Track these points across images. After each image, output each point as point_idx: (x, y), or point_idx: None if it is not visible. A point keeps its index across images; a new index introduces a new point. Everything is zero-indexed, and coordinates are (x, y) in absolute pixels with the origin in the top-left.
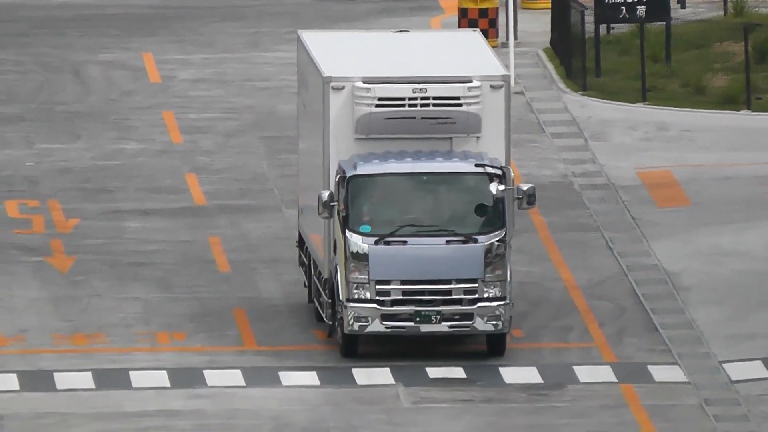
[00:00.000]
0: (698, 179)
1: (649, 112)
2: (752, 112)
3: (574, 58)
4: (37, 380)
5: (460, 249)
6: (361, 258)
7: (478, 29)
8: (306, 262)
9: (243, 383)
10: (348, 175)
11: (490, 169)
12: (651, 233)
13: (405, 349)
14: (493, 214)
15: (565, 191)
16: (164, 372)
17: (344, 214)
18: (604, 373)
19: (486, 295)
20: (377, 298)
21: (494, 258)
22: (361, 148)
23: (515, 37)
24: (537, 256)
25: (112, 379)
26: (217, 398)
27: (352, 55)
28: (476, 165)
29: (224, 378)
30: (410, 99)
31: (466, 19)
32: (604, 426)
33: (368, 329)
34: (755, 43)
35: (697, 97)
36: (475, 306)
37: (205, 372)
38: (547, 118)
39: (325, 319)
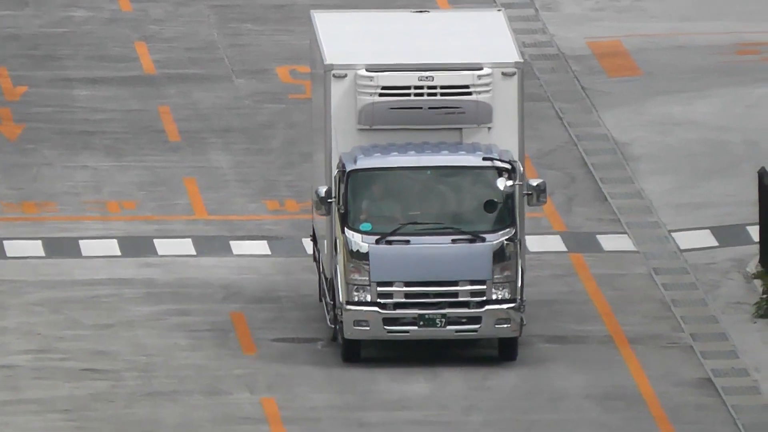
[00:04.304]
0: (649, 49)
1: None
2: None
3: None
4: None
5: (466, 248)
6: (362, 258)
7: (503, 9)
8: (318, 257)
9: (194, 252)
10: (347, 169)
11: (498, 163)
12: (601, 103)
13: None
14: (502, 211)
15: None
16: (114, 241)
17: (343, 211)
18: (553, 243)
19: (495, 297)
20: (378, 300)
21: (503, 258)
22: (364, 139)
23: None
24: None
25: (62, 247)
26: (168, 267)
27: (359, 39)
28: (484, 158)
29: (175, 247)
30: (416, 88)
31: None
32: (554, 295)
33: (369, 334)
34: None
35: None
36: (483, 309)
37: (156, 241)
38: None
39: (327, 322)
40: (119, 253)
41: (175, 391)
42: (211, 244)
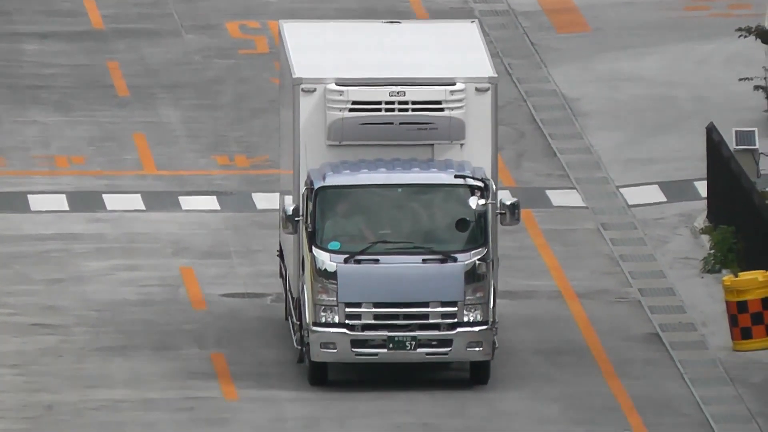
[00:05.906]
0: (597, 4)
1: None
2: None
3: None
4: None
5: (437, 268)
6: (329, 277)
7: (477, 20)
8: (285, 274)
9: (143, 207)
10: (316, 186)
11: (470, 181)
12: (550, 59)
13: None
14: (474, 230)
15: (466, 18)
16: (63, 196)
17: (311, 230)
18: (502, 198)
19: (466, 319)
20: (346, 322)
21: (475, 278)
22: (334, 155)
23: None
24: None
25: (10, 202)
26: (117, 222)
27: (328, 52)
28: (456, 176)
29: (124, 202)
30: (387, 103)
31: None
32: (504, 250)
33: (336, 357)
34: None
35: None
36: (455, 331)
37: (105, 196)
38: None
39: (294, 343)
40: (68, 208)
41: (124, 346)
42: (160, 200)
